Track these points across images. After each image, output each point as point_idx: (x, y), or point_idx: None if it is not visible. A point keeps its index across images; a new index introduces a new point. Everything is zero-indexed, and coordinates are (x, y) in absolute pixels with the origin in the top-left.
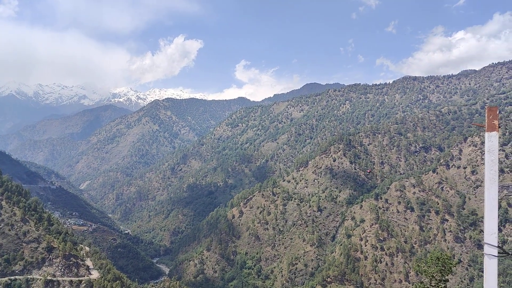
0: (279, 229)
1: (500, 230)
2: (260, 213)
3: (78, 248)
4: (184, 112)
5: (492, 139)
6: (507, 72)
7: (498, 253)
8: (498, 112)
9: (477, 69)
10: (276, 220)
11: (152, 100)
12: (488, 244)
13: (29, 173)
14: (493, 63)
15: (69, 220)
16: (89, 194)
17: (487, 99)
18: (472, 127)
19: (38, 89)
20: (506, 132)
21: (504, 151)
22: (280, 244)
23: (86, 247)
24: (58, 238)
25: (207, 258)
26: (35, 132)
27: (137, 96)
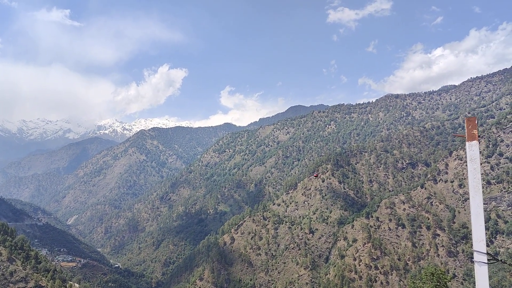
0: (272, 253)
1: (491, 242)
2: (251, 238)
3: (67, 286)
4: (171, 141)
5: (473, 148)
6: (485, 86)
7: (488, 260)
8: (476, 122)
9: (457, 84)
10: (268, 244)
11: (138, 131)
12: (478, 251)
13: (15, 211)
14: (471, 77)
15: (57, 257)
16: (77, 229)
17: (468, 112)
18: (456, 140)
19: (22, 125)
20: (489, 144)
21: (489, 163)
22: (273, 269)
23: (76, 283)
24: (46, 276)
25: None
26: (20, 168)
27: (122, 127)
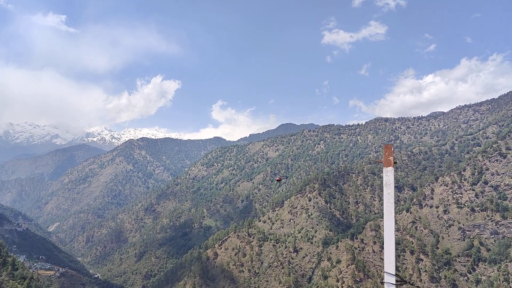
0: (255, 271)
1: (473, 269)
2: (235, 254)
3: None
4: (159, 152)
5: (388, 174)
6: (473, 114)
7: (396, 281)
8: (393, 150)
9: (446, 111)
10: (252, 261)
11: (127, 140)
12: (387, 272)
13: None
14: (460, 105)
15: (35, 264)
16: (57, 236)
17: (456, 140)
18: (443, 167)
19: (8, 128)
20: (475, 172)
21: (474, 190)
22: (256, 287)
23: None
24: (22, 284)
25: None
26: (3, 172)
27: (111, 135)
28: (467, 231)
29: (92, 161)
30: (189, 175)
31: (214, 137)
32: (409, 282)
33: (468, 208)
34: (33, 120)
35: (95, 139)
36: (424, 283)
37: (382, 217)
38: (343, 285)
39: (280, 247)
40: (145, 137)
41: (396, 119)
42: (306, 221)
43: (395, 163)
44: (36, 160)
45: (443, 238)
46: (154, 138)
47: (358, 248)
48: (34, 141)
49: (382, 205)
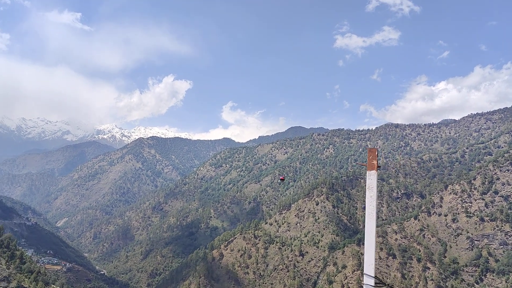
0: (260, 273)
1: (481, 280)
2: (241, 256)
3: None
4: (168, 151)
5: (371, 177)
6: (485, 123)
7: (375, 283)
8: (377, 154)
9: (457, 119)
10: (257, 264)
11: (137, 138)
12: (367, 274)
13: (4, 208)
14: (472, 113)
15: (42, 258)
16: (65, 232)
17: (467, 148)
18: (453, 175)
19: (21, 123)
20: (485, 181)
21: (483, 200)
22: None
23: (58, 287)
24: (29, 278)
25: None
26: (14, 166)
27: (121, 133)
28: (476, 240)
29: (102, 158)
30: (198, 175)
31: (223, 138)
32: (388, 285)
33: (477, 217)
34: (45, 116)
35: (105, 136)
36: None
37: (390, 224)
38: None
39: (286, 250)
40: (155, 136)
41: (407, 125)
42: (313, 225)
43: (379, 167)
44: (47, 156)
45: (451, 247)
46: (164, 137)
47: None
48: (46, 136)
49: (389, 211)
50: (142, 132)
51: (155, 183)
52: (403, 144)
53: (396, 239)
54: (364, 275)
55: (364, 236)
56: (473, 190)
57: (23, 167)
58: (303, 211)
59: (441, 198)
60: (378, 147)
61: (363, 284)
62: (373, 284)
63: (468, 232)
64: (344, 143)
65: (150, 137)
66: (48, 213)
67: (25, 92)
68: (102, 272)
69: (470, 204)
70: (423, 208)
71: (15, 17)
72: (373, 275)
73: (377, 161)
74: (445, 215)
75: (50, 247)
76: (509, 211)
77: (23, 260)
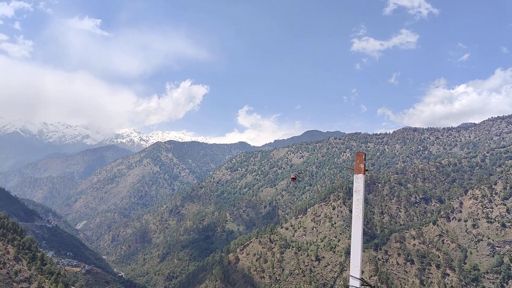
0: (276, 277)
1: (502, 287)
2: (256, 260)
3: None
4: (185, 155)
5: (358, 181)
6: (506, 127)
7: (361, 285)
8: (364, 157)
9: (477, 123)
10: (273, 268)
11: (154, 142)
12: (353, 276)
13: (27, 211)
14: (492, 117)
15: (62, 260)
16: (85, 234)
17: (487, 152)
18: (473, 179)
19: (42, 127)
20: (507, 186)
21: (505, 205)
22: None
23: None
24: (49, 279)
25: None
26: (36, 170)
27: (140, 137)
28: (497, 247)
29: (120, 161)
30: (214, 178)
31: (239, 141)
32: (373, 287)
33: (498, 223)
34: (66, 121)
35: (124, 140)
36: None
37: (408, 229)
38: None
39: (302, 255)
40: (173, 140)
41: (425, 129)
42: (329, 230)
43: (366, 170)
44: (67, 159)
45: (471, 253)
46: (181, 141)
47: (382, 260)
48: (66, 140)
49: (407, 216)
50: (159, 136)
51: (172, 187)
52: (421, 148)
53: (414, 245)
54: (350, 277)
55: (352, 238)
56: (494, 195)
57: (44, 171)
58: (320, 215)
59: (461, 203)
60: (396, 151)
61: (349, 285)
62: (358, 286)
63: (489, 238)
64: (361, 147)
65: (167, 141)
66: (68, 215)
67: (46, 98)
68: (120, 275)
69: (491, 210)
70: (442, 213)
71: (37, 24)
72: (359, 277)
73: (364, 165)
74: (465, 221)
75: (70, 249)
76: None
77: (44, 262)
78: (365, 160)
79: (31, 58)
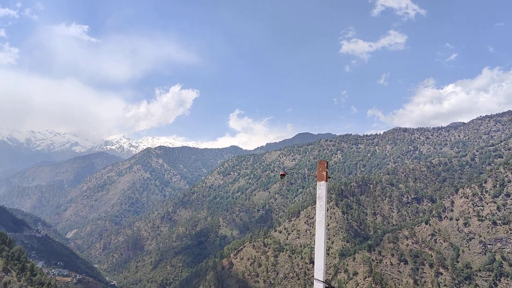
0: (270, 281)
1: (495, 284)
2: (250, 264)
3: None
4: (176, 160)
5: (321, 187)
6: (495, 125)
7: (325, 287)
8: (326, 165)
9: (466, 122)
10: (267, 272)
11: (144, 148)
12: (317, 279)
13: (15, 221)
14: (481, 116)
15: (53, 270)
16: (75, 243)
17: (477, 151)
18: (463, 178)
19: (30, 135)
20: (496, 184)
21: (495, 203)
22: None
23: None
24: None
25: None
26: (24, 178)
27: (129, 143)
28: (489, 244)
29: (110, 168)
30: (206, 183)
31: (231, 146)
32: None
33: (489, 221)
34: (54, 128)
35: (113, 147)
36: None
37: (401, 229)
38: None
39: (296, 258)
40: (163, 146)
41: (415, 129)
42: None
43: (328, 177)
44: (56, 167)
45: (463, 251)
46: (172, 146)
47: (376, 260)
48: (55, 148)
49: (400, 216)
50: (150, 142)
51: (164, 193)
52: (412, 149)
53: (407, 245)
54: (314, 280)
55: (315, 242)
56: (484, 193)
57: (32, 180)
58: (313, 218)
59: (452, 202)
60: (386, 151)
61: None
62: None
63: (480, 236)
64: (352, 148)
65: (157, 146)
66: (58, 224)
67: (34, 105)
68: (112, 283)
69: (482, 208)
70: (434, 212)
71: (23, 31)
72: (323, 280)
73: (327, 172)
74: (457, 219)
75: (60, 259)
76: None
77: (33, 272)
78: (327, 167)
79: (17, 65)
